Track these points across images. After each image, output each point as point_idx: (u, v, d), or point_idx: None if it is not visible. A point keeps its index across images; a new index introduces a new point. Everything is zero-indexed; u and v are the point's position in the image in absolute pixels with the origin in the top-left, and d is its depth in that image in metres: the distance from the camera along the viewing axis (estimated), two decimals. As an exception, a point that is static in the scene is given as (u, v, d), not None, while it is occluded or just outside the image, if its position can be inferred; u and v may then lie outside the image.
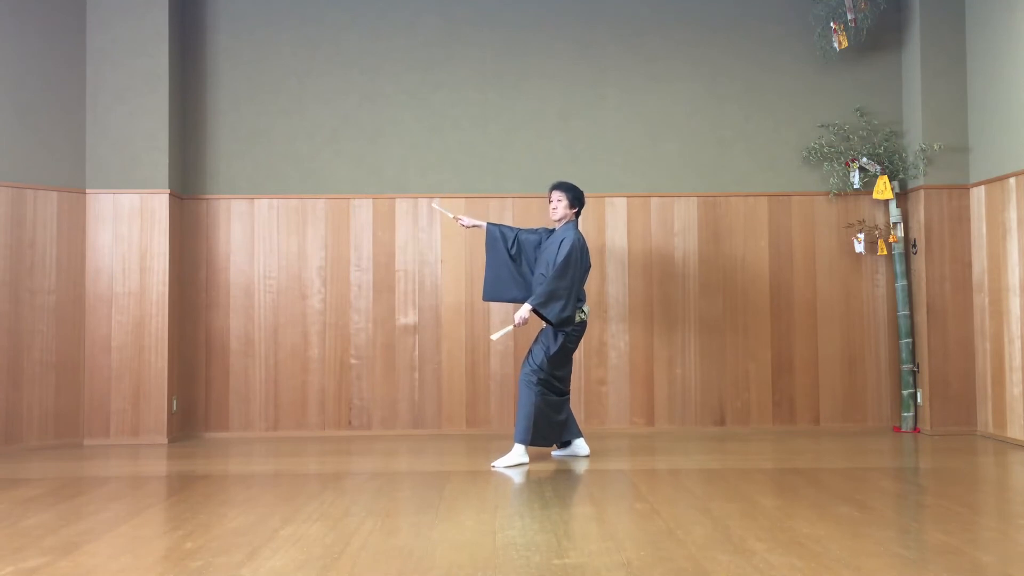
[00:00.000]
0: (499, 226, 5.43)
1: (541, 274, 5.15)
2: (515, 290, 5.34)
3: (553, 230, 5.32)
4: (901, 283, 6.24)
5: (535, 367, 5.09)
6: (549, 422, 5.12)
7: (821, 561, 2.98)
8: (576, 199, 5.26)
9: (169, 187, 6.11)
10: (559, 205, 5.23)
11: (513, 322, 5.09)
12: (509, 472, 4.84)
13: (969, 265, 6.13)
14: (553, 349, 5.08)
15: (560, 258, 5.02)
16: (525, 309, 4.98)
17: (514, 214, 6.36)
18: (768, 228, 6.41)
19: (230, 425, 6.28)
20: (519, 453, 5.03)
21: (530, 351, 5.19)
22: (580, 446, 5.29)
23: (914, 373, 6.20)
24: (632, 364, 6.34)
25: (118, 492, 4.39)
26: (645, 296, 6.37)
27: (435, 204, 5.81)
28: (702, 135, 6.48)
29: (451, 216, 5.54)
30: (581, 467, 4.97)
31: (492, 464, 5.00)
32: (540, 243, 5.33)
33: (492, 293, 5.41)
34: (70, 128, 6.06)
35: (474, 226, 5.48)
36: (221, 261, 6.35)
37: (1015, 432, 5.65)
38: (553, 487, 4.38)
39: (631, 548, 3.18)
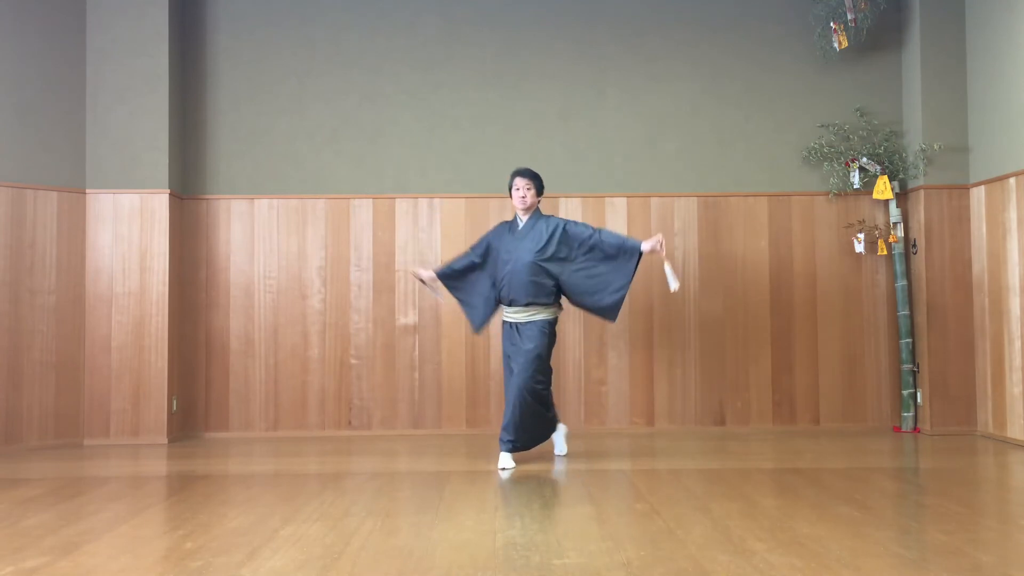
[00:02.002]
0: (449, 266, 5.26)
1: (557, 256, 4.97)
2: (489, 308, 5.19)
3: (507, 225, 5.16)
4: (901, 283, 6.24)
5: (542, 376, 4.95)
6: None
7: (821, 561, 2.98)
8: (541, 188, 5.15)
9: (169, 187, 6.11)
10: (528, 194, 5.06)
11: (660, 252, 4.91)
12: (506, 473, 4.85)
13: (969, 265, 6.13)
14: (545, 348, 4.96)
15: (589, 229, 4.98)
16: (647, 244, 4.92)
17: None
18: (768, 228, 6.41)
19: (230, 425, 6.28)
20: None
21: (525, 362, 4.90)
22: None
23: (914, 373, 6.20)
24: (632, 364, 6.34)
25: (118, 492, 4.39)
26: (645, 296, 6.37)
27: (414, 273, 5.51)
28: (702, 135, 6.48)
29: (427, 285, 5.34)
30: (581, 467, 4.97)
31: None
32: (491, 245, 5.13)
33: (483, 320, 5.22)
34: (70, 128, 6.06)
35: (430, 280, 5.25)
36: (221, 261, 6.35)
37: (1015, 432, 5.65)
38: (553, 487, 4.38)
39: (631, 548, 3.18)
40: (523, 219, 5.12)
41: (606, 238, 4.99)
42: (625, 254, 4.96)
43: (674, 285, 4.89)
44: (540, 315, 4.98)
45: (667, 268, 4.91)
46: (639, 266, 5.00)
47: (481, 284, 5.17)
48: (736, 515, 3.67)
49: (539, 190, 5.12)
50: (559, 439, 5.30)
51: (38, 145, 5.94)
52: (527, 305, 4.97)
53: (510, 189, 5.14)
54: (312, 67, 6.46)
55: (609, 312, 5.03)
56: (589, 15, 6.52)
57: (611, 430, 6.30)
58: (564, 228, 5.03)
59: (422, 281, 5.36)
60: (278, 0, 6.47)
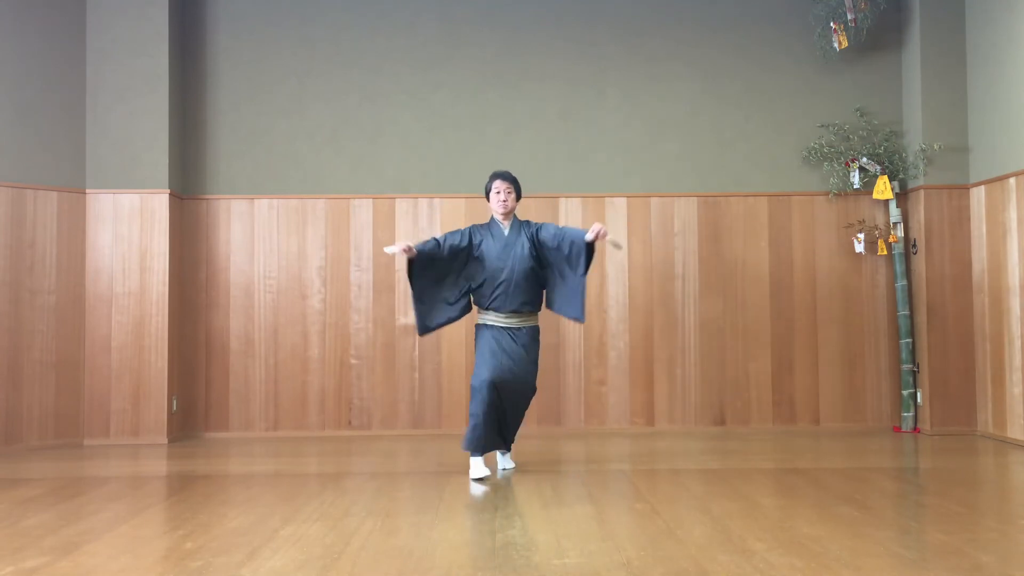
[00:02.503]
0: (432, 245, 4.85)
1: (543, 260, 4.86)
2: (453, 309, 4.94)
3: (486, 229, 4.91)
4: (901, 283, 6.24)
5: (535, 379, 4.91)
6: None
7: (821, 561, 2.98)
8: (520, 192, 4.97)
9: (169, 187, 6.11)
10: (509, 197, 4.87)
11: (603, 235, 4.64)
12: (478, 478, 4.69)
13: (969, 265, 6.13)
14: (538, 353, 4.92)
15: (553, 226, 4.84)
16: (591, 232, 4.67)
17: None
18: (768, 228, 6.41)
19: (230, 425, 6.28)
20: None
21: (527, 369, 4.80)
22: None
23: (914, 373, 6.20)
24: (632, 364, 6.34)
25: (118, 492, 4.39)
26: (645, 296, 6.37)
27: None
28: (702, 135, 6.48)
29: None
30: (581, 467, 4.97)
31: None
32: (472, 243, 4.87)
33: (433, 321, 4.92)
34: (70, 128, 6.06)
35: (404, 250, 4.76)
36: (221, 261, 6.36)
37: (1015, 432, 5.65)
38: (553, 487, 4.38)
39: (631, 548, 3.18)
40: (504, 224, 4.92)
41: (567, 232, 4.82)
42: (575, 246, 4.74)
43: (618, 249, 4.77)
44: (531, 320, 4.92)
45: (608, 242, 4.76)
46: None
47: (449, 280, 4.91)
48: (736, 515, 3.67)
49: (518, 194, 4.96)
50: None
51: (38, 145, 5.94)
52: (525, 312, 4.91)
53: (488, 192, 4.93)
54: (312, 67, 6.46)
55: (577, 311, 4.80)
56: (589, 15, 6.52)
57: (611, 430, 6.30)
58: (540, 231, 4.87)
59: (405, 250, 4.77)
60: (278, 0, 6.47)
